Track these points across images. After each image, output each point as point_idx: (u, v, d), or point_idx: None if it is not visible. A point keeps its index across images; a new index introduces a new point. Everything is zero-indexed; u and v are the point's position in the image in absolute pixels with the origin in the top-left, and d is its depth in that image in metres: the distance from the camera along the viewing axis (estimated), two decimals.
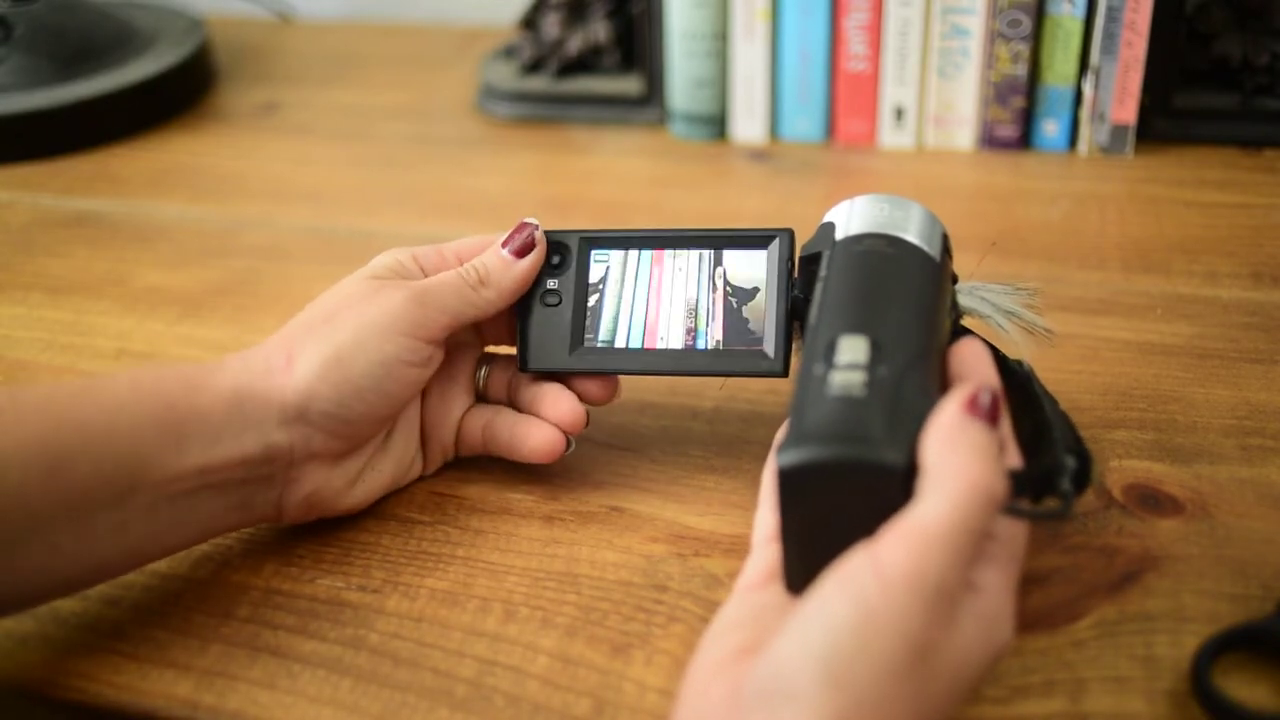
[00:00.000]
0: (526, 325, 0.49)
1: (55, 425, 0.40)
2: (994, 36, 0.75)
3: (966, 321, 0.44)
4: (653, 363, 0.47)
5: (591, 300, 0.49)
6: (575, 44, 0.88)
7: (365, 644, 0.43)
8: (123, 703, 0.41)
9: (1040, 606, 0.42)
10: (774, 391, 0.55)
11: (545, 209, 0.76)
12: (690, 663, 0.36)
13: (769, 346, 0.46)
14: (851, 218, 0.43)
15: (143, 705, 0.41)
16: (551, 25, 0.88)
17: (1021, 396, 0.42)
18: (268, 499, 0.45)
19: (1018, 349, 0.44)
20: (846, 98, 0.80)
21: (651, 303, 0.48)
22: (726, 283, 0.48)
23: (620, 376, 0.50)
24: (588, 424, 0.49)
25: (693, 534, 0.47)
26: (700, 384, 0.56)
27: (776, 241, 0.48)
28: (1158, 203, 0.71)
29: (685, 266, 0.49)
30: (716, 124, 0.83)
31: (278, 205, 0.78)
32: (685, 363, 0.47)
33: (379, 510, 0.49)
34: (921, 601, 0.31)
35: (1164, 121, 0.77)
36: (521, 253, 0.48)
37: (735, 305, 0.47)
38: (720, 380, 0.56)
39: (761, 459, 0.45)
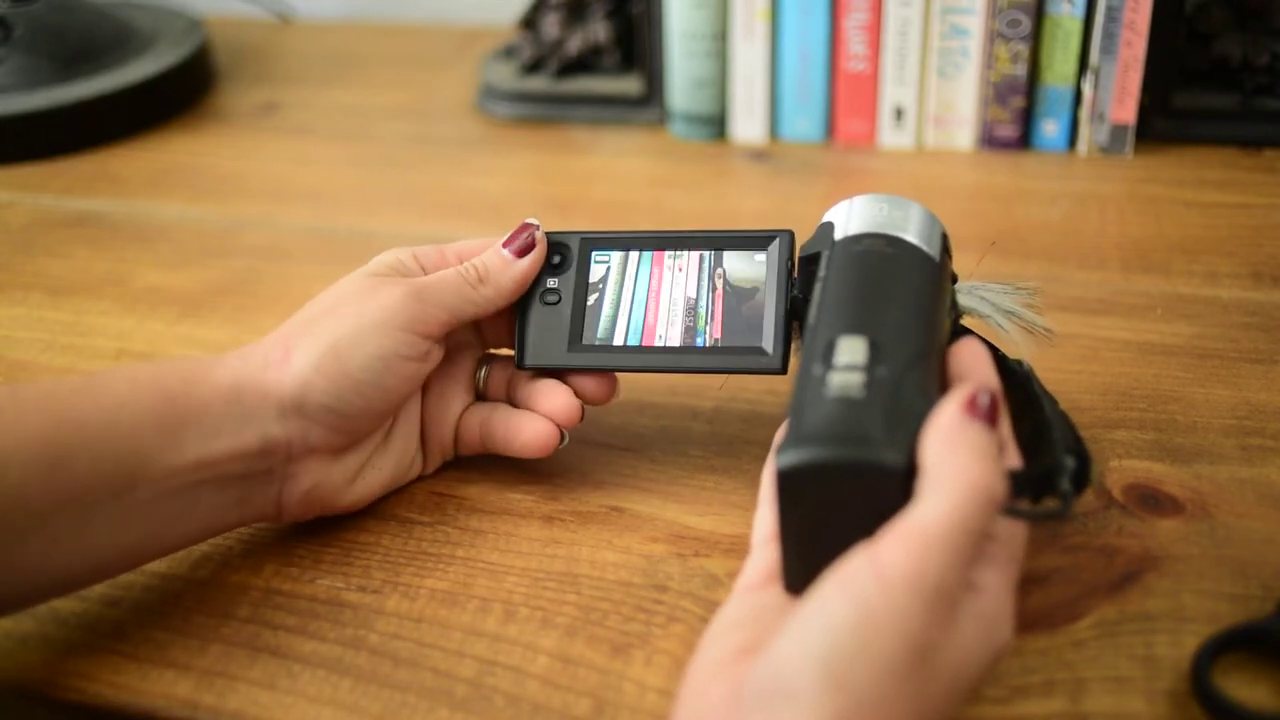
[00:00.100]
0: (525, 323, 0.49)
1: (55, 422, 0.40)
2: (994, 36, 0.75)
3: (966, 321, 0.44)
4: (651, 360, 0.47)
5: (591, 299, 0.49)
6: (575, 44, 0.88)
7: (365, 644, 0.43)
8: (123, 703, 0.41)
9: (1040, 606, 0.42)
10: (774, 392, 0.55)
11: (545, 209, 0.76)
12: (690, 663, 0.36)
13: (768, 344, 0.46)
14: (851, 218, 0.43)
15: (143, 705, 0.41)
16: (551, 25, 0.88)
17: (1021, 396, 0.42)
18: (267, 495, 0.45)
19: (1017, 349, 0.44)
20: (846, 98, 0.80)
21: (651, 302, 0.48)
22: (726, 282, 0.48)
23: (620, 376, 0.50)
24: (582, 419, 0.49)
25: (693, 534, 0.47)
26: (700, 384, 0.56)
27: (776, 242, 0.48)
28: (1158, 203, 0.71)
29: (685, 267, 0.49)
30: (716, 124, 0.83)
31: (278, 205, 0.78)
32: (684, 360, 0.47)
33: (379, 510, 0.49)
34: (921, 602, 0.31)
35: (1164, 121, 0.77)
36: (522, 252, 0.48)
37: (735, 304, 0.47)
38: (720, 380, 0.56)
39: (761, 459, 0.45)
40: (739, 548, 0.46)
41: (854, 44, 0.78)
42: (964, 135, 0.79)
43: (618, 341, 0.48)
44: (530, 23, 0.90)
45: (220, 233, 0.75)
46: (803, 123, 0.81)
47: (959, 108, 0.78)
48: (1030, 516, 0.36)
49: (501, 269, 0.48)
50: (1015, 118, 0.77)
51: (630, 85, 0.86)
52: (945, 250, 0.44)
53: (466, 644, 0.43)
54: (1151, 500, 0.47)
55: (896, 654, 0.31)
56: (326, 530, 0.48)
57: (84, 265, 0.72)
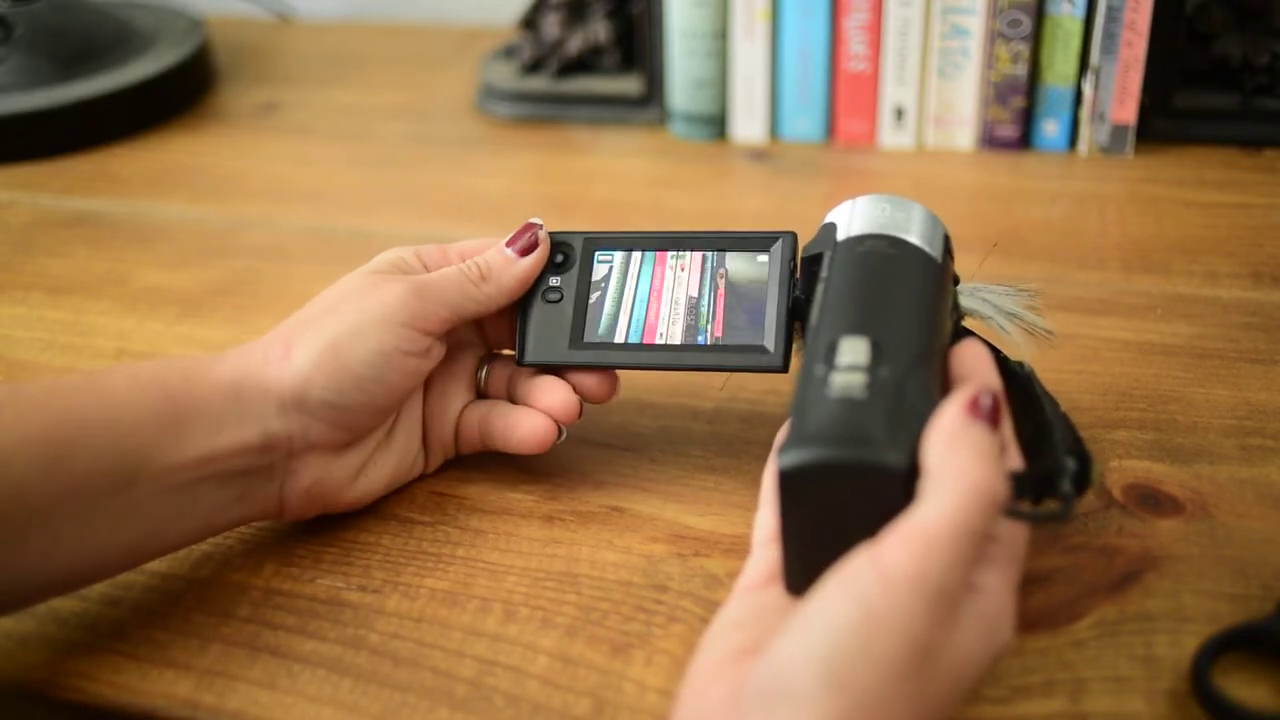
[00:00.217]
0: (526, 320, 0.49)
1: (56, 420, 0.40)
2: (994, 36, 0.75)
3: (968, 323, 0.44)
4: (652, 358, 0.47)
5: (593, 298, 0.49)
6: (575, 44, 0.88)
7: (365, 644, 0.43)
8: (123, 703, 0.41)
9: (1040, 606, 0.42)
10: (774, 392, 0.55)
11: (545, 209, 0.76)
12: (690, 663, 0.36)
13: (769, 342, 0.46)
14: (853, 218, 0.43)
15: (143, 705, 0.41)
16: (551, 25, 0.88)
17: (1022, 398, 0.42)
18: (269, 491, 0.45)
19: (1019, 351, 0.44)
20: (846, 98, 0.80)
21: (652, 300, 0.48)
22: (728, 282, 0.48)
23: (620, 375, 0.50)
24: (580, 415, 0.49)
25: (693, 534, 0.47)
26: (701, 384, 0.56)
27: (779, 243, 0.48)
28: (1158, 203, 0.71)
29: (688, 266, 0.49)
30: (716, 124, 0.83)
31: (278, 205, 0.78)
32: (685, 358, 0.47)
33: (379, 510, 0.49)
34: (924, 602, 0.31)
35: (1164, 121, 0.77)
36: (525, 251, 0.49)
37: (736, 304, 0.47)
38: (721, 380, 0.56)
39: (762, 459, 0.45)
40: (739, 548, 0.46)
41: (854, 44, 0.78)
42: (964, 135, 0.79)
43: (619, 339, 0.48)
44: (530, 23, 0.90)
45: (220, 233, 0.75)
46: (803, 123, 0.81)
47: (959, 108, 0.78)
48: (1031, 518, 0.36)
49: (504, 267, 0.48)
50: (1015, 118, 0.77)
51: (630, 85, 0.86)
52: (947, 251, 0.44)
53: (466, 644, 0.43)
54: (1151, 500, 0.47)
55: (898, 654, 0.31)
56: (327, 530, 0.48)
57: (84, 265, 0.72)
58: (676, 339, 0.47)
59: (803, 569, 0.36)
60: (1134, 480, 0.48)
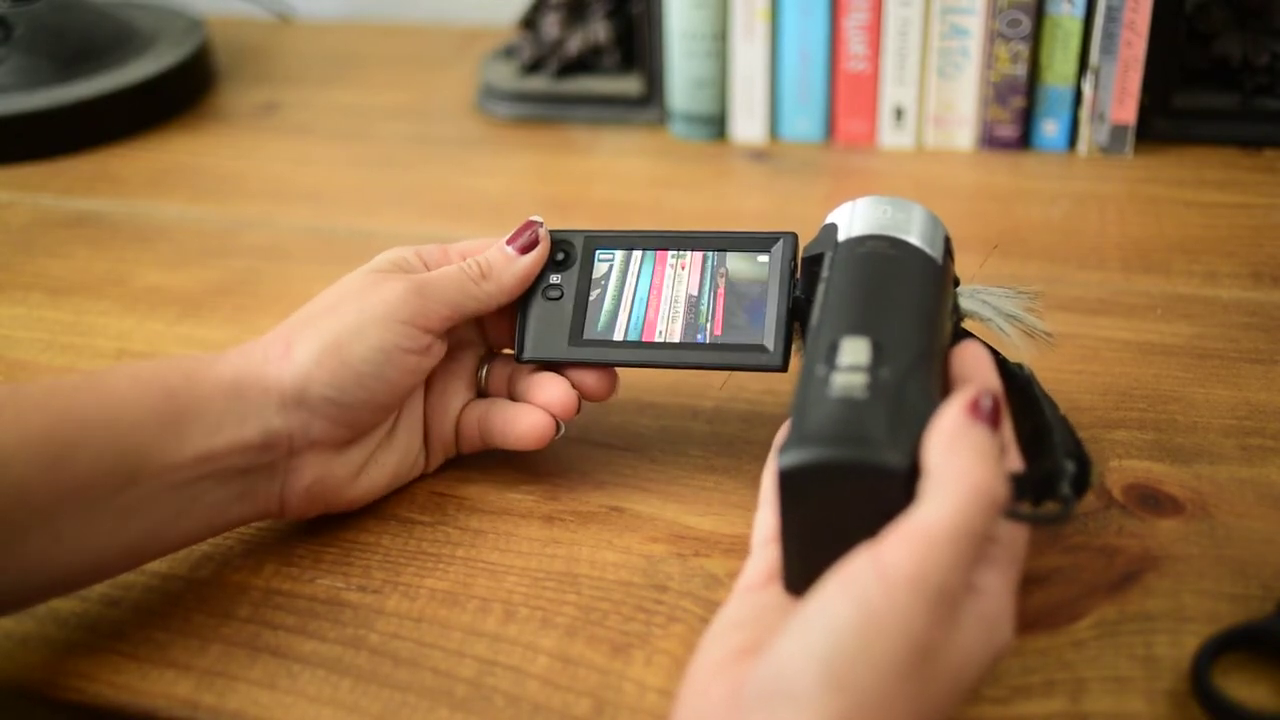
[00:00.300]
0: (526, 317, 0.49)
1: (57, 419, 0.40)
2: (994, 36, 0.75)
3: (967, 324, 0.44)
4: (651, 355, 0.47)
5: (593, 295, 0.49)
6: (575, 44, 0.88)
7: (365, 644, 0.43)
8: (123, 703, 0.41)
9: (1040, 606, 0.42)
10: (774, 392, 0.55)
11: (545, 209, 0.76)
12: (690, 663, 0.36)
13: (769, 341, 0.46)
14: (854, 219, 0.43)
15: (143, 705, 0.41)
16: (551, 25, 0.88)
17: (1021, 400, 0.42)
18: (270, 490, 0.45)
19: (1018, 353, 0.44)
20: (846, 98, 0.80)
21: (652, 298, 0.48)
22: (728, 281, 0.48)
23: (620, 375, 0.50)
24: (579, 411, 0.49)
25: (693, 534, 0.47)
26: (701, 384, 0.56)
27: (780, 244, 0.48)
28: (1158, 203, 0.71)
29: (688, 265, 0.49)
30: (716, 124, 0.83)
31: (278, 205, 0.78)
32: (684, 356, 0.47)
33: (379, 510, 0.49)
34: (924, 603, 0.31)
35: (1164, 121, 0.77)
36: (525, 249, 0.49)
37: (736, 303, 0.47)
38: (721, 380, 0.56)
39: (762, 459, 0.45)
40: (739, 548, 0.46)
41: (854, 44, 0.78)
42: (964, 135, 0.79)
43: (618, 336, 0.48)
44: (530, 23, 0.90)
45: (220, 233, 0.75)
46: (803, 123, 0.81)
47: (959, 108, 0.78)
48: (1031, 520, 0.36)
49: (504, 265, 0.48)
50: (1015, 118, 0.77)
51: (630, 85, 0.86)
52: (948, 253, 0.44)
53: (466, 644, 0.43)
54: (1151, 500, 0.47)
55: (898, 655, 0.31)
56: (327, 530, 0.48)
57: (84, 265, 0.72)
58: (676, 337, 0.47)
59: (802, 569, 0.36)
60: (1134, 480, 0.48)
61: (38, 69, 0.89)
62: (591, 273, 0.50)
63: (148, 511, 0.41)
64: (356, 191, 0.80)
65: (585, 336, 0.48)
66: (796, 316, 0.46)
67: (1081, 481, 0.38)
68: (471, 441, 0.50)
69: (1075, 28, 0.74)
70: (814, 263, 0.44)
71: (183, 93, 0.94)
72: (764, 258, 0.48)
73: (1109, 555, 0.45)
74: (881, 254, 0.41)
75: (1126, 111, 0.75)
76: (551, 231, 0.50)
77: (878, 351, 0.37)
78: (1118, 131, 0.76)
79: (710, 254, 0.49)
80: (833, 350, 0.37)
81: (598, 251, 0.50)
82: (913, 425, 0.35)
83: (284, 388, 0.44)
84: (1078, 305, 0.61)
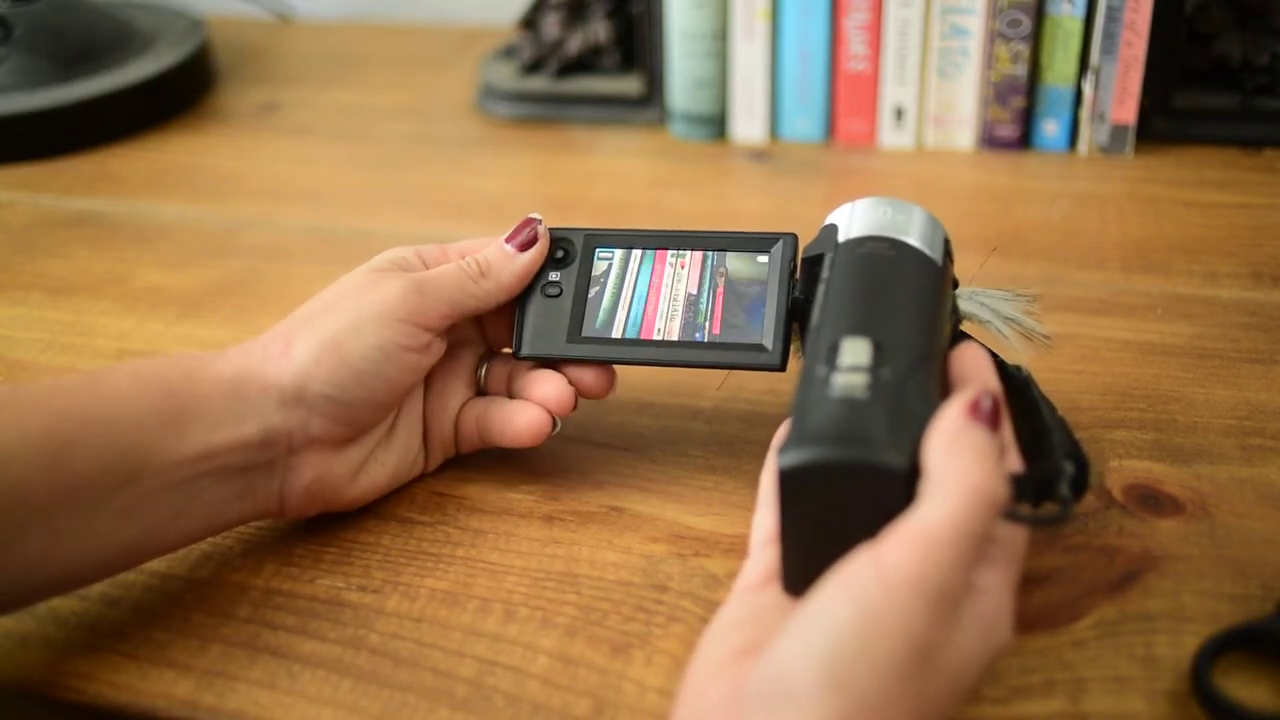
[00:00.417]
0: (525, 313, 0.49)
1: (57, 418, 0.40)
2: (994, 36, 0.75)
3: (966, 327, 0.44)
4: (649, 353, 0.47)
5: (591, 292, 0.49)
6: (575, 44, 0.88)
7: (365, 644, 0.43)
8: (123, 703, 0.41)
9: (1040, 606, 0.42)
10: (774, 391, 0.55)
11: (545, 209, 0.75)
12: (690, 663, 0.36)
13: (768, 340, 0.46)
14: (853, 220, 0.43)
15: (143, 705, 0.41)
16: (551, 25, 0.88)
17: (1020, 402, 0.42)
18: (269, 488, 0.45)
19: (1016, 355, 0.44)
20: (846, 98, 0.80)
21: (651, 296, 0.49)
22: (728, 281, 0.48)
23: (620, 375, 0.50)
24: (575, 407, 0.49)
25: (693, 534, 0.47)
26: (701, 384, 0.56)
27: (780, 244, 0.48)
28: (1158, 203, 0.71)
29: (688, 264, 0.49)
30: (716, 124, 0.83)
31: (278, 205, 0.78)
32: (682, 354, 0.47)
33: (379, 510, 0.49)
34: (924, 603, 0.31)
35: (1164, 121, 0.77)
36: (524, 247, 0.49)
37: (735, 302, 0.47)
38: (720, 380, 0.56)
39: (761, 459, 0.45)
40: (739, 548, 0.46)
41: (854, 44, 0.78)
42: (964, 135, 0.79)
43: (616, 334, 0.48)
44: (530, 23, 0.90)
45: (220, 233, 0.75)
46: (803, 123, 0.81)
47: (959, 108, 0.78)
48: (1030, 521, 0.36)
49: (503, 263, 0.48)
50: (1015, 118, 0.77)
51: (630, 85, 0.86)
52: (947, 254, 0.44)
53: (466, 644, 0.43)
54: (1151, 500, 0.47)
55: (898, 655, 0.31)
56: (326, 530, 0.48)
57: (84, 265, 0.72)
58: (674, 335, 0.47)
59: (801, 569, 0.36)
60: (1134, 480, 0.48)
61: (38, 69, 0.89)
62: (591, 270, 0.50)
63: (147, 510, 0.41)
64: (356, 191, 0.80)
65: (583, 333, 0.48)
66: (795, 317, 0.46)
67: (1080, 483, 0.38)
68: (470, 440, 0.50)
69: (1075, 28, 0.74)
70: (814, 263, 0.44)
71: (183, 93, 0.94)
72: (763, 258, 0.48)
73: (1109, 555, 0.45)
74: (881, 255, 0.41)
75: (1127, 111, 0.75)
76: (551, 229, 0.50)
77: (878, 352, 0.37)
78: (1118, 131, 0.76)
79: (710, 254, 0.49)
80: (833, 350, 0.37)
81: (597, 250, 0.50)
82: (913, 426, 0.35)
83: (283, 385, 0.44)
84: (1078, 305, 0.61)
